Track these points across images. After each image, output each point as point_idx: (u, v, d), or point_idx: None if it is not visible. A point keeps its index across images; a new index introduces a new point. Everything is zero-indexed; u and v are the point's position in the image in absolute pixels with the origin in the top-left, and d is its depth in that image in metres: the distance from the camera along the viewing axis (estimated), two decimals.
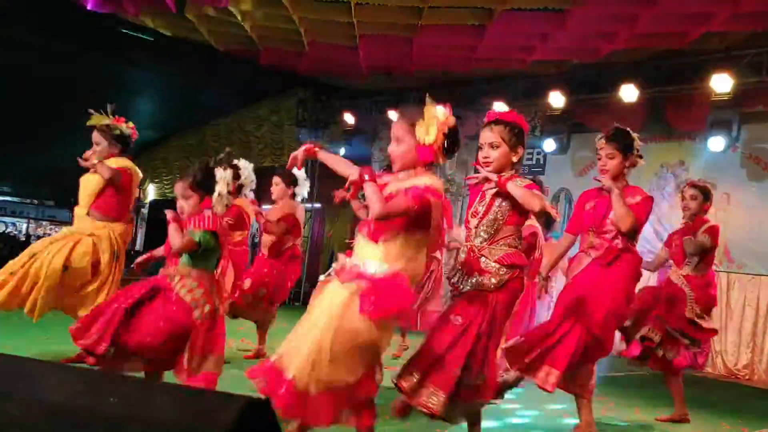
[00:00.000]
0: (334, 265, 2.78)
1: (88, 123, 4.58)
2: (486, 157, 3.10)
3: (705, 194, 4.68)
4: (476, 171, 3.24)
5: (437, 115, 2.68)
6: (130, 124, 4.69)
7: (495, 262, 2.99)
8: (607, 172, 3.73)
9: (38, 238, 17.37)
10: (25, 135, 11.74)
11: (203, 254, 3.33)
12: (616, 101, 7.92)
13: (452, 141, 2.71)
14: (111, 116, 4.61)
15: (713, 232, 4.61)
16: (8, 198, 19.30)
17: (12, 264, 4.24)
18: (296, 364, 2.45)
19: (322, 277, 2.88)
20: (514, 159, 3.12)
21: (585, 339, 3.52)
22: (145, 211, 14.95)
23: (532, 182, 3.13)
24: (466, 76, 9.19)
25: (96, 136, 4.56)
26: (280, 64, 9.91)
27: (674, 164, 8.37)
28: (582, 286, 3.67)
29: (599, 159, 3.80)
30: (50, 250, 4.27)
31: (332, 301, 2.56)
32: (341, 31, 8.15)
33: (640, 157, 3.84)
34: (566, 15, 7.01)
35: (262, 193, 5.72)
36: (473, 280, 2.98)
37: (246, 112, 12.23)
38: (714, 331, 4.71)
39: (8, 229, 19.19)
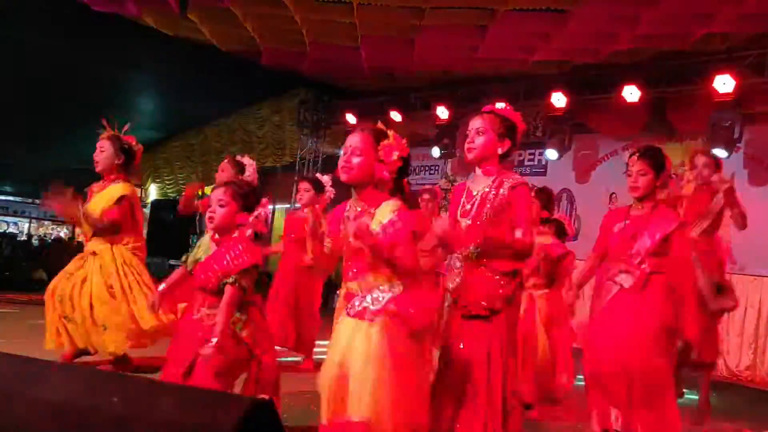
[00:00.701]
0: (340, 306, 2.73)
1: (101, 135, 4.58)
2: (470, 143, 3.01)
3: (717, 162, 4.67)
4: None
5: (399, 140, 2.67)
6: (140, 146, 4.72)
7: (492, 271, 2.90)
8: (638, 189, 3.53)
9: (40, 237, 17.42)
10: (27, 135, 11.75)
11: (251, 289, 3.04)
12: (618, 102, 7.92)
13: (404, 168, 2.69)
14: (122, 132, 4.64)
15: (735, 201, 4.52)
16: (10, 197, 19.31)
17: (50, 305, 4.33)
18: (369, 405, 2.37)
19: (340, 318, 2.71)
20: (500, 150, 3.00)
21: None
22: (146, 211, 14.95)
23: (523, 183, 2.98)
24: (468, 77, 9.19)
25: (103, 143, 4.55)
26: (282, 65, 9.91)
27: (676, 165, 8.34)
28: (621, 317, 3.44)
29: (629, 176, 3.58)
30: (76, 289, 4.32)
31: (370, 342, 2.46)
32: (343, 31, 8.15)
33: (671, 176, 3.73)
34: (568, 15, 7.01)
35: (264, 195, 5.72)
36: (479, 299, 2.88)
37: (248, 113, 12.23)
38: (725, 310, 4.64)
39: (9, 229, 19.20)
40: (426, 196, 6.16)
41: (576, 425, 4.31)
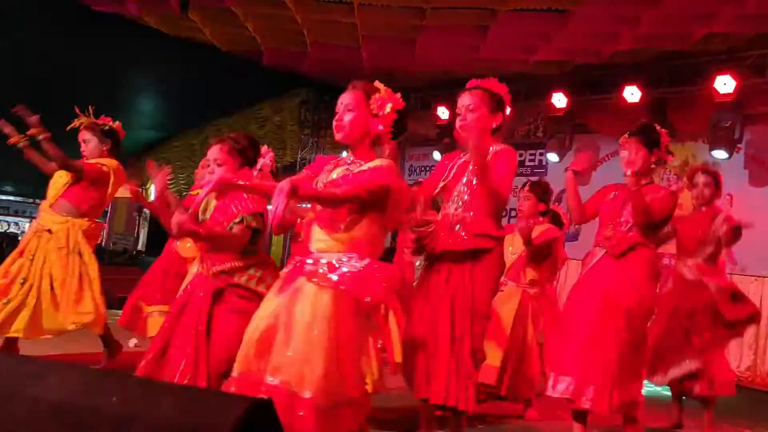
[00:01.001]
0: (288, 266, 2.53)
1: (76, 123, 4.48)
2: (462, 121, 3.00)
3: (717, 181, 4.55)
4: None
5: (392, 94, 2.60)
6: (118, 123, 4.58)
7: (468, 230, 2.91)
8: (633, 163, 3.54)
9: None
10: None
11: (254, 239, 2.88)
12: (618, 102, 7.91)
13: (401, 122, 2.60)
14: (94, 116, 4.54)
15: (733, 223, 4.48)
16: (10, 197, 19.30)
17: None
18: (311, 380, 2.24)
19: (282, 273, 2.56)
20: (494, 125, 3.02)
21: (620, 350, 3.33)
22: (147, 211, 14.94)
23: (508, 148, 2.98)
24: (469, 77, 9.16)
25: (84, 133, 4.45)
26: (283, 65, 9.91)
27: (677, 166, 8.36)
28: (599, 289, 3.47)
29: (623, 156, 3.64)
30: (34, 270, 4.15)
31: (317, 306, 2.34)
32: (344, 31, 8.15)
33: (669, 153, 3.69)
34: (569, 16, 7.01)
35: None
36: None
37: (249, 113, 12.23)
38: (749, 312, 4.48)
39: (10, 229, 19.19)
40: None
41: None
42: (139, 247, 14.84)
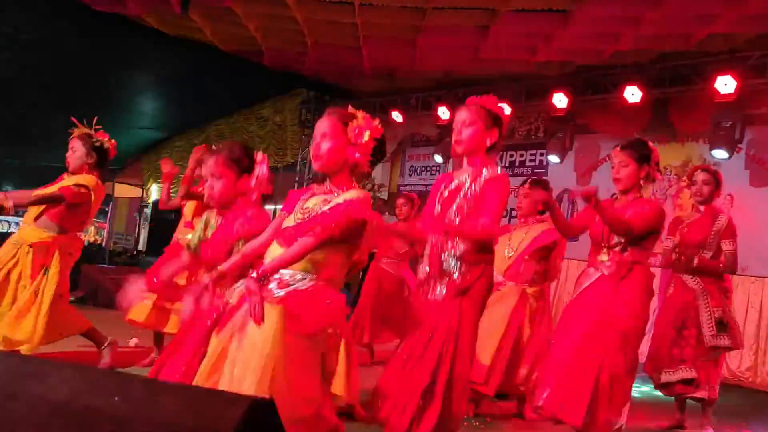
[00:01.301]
0: (246, 282, 2.44)
1: (73, 134, 4.47)
2: (458, 135, 2.96)
3: (717, 179, 4.50)
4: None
5: (369, 120, 2.54)
6: (113, 142, 4.59)
7: (458, 259, 2.86)
8: (620, 181, 3.54)
9: None
10: (27, 135, 11.76)
11: None
12: (620, 103, 7.91)
13: (379, 149, 2.55)
14: (93, 129, 4.54)
15: (734, 233, 4.45)
16: None
17: None
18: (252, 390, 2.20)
19: (235, 291, 2.50)
20: (488, 141, 2.96)
21: (607, 374, 3.30)
22: (148, 211, 14.95)
23: (501, 176, 2.91)
24: (470, 77, 9.19)
25: (74, 142, 4.46)
26: (284, 65, 9.92)
27: (678, 166, 8.36)
28: (593, 305, 3.45)
29: (612, 167, 3.61)
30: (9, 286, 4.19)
31: (265, 325, 2.30)
32: (345, 31, 8.15)
33: (659, 171, 3.64)
34: (570, 16, 7.01)
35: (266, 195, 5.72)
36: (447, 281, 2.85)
37: (249, 113, 12.24)
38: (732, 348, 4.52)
39: (10, 229, 19.18)
40: (401, 200, 6.20)
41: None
42: (140, 247, 14.84)
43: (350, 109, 2.60)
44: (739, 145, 7.70)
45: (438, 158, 10.06)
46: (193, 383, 2.34)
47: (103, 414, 1.26)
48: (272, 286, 2.37)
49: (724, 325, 4.36)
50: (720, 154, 7.62)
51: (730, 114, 7.36)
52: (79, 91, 9.86)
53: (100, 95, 9.83)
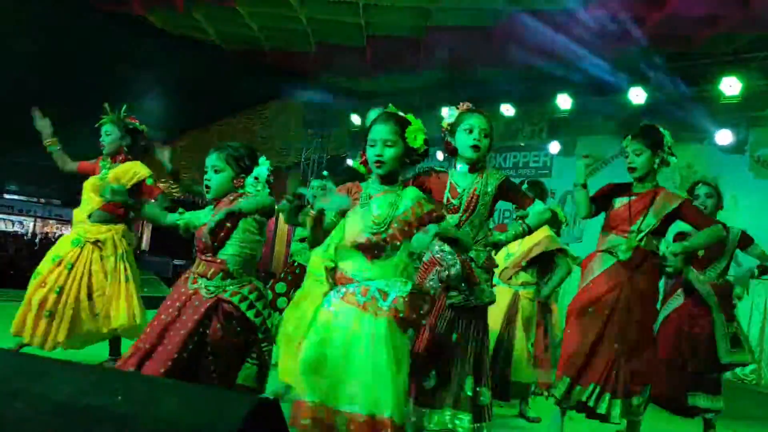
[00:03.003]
0: (336, 292, 2.60)
1: (103, 119, 4.45)
2: (477, 140, 3.09)
3: (719, 192, 4.42)
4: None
5: (419, 123, 2.72)
6: (144, 127, 4.62)
7: (480, 267, 2.99)
8: (635, 170, 3.51)
9: (44, 236, 17.46)
10: (32, 134, 11.78)
11: (254, 246, 2.87)
12: (623, 104, 7.90)
13: (428, 149, 2.77)
14: (124, 114, 4.54)
15: (749, 237, 4.43)
16: (15, 197, 19.37)
17: (37, 296, 4.13)
18: (389, 402, 2.39)
19: (331, 299, 2.61)
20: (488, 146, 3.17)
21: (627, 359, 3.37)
22: None
23: (506, 177, 3.15)
24: (473, 78, 9.18)
25: (107, 126, 4.43)
26: (288, 65, 9.92)
27: (682, 167, 8.34)
28: (609, 294, 3.46)
29: (626, 157, 3.57)
30: (72, 281, 4.18)
31: (376, 333, 2.47)
32: (349, 31, 8.15)
33: (672, 155, 3.61)
34: (574, 17, 7.00)
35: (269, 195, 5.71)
36: (482, 294, 3.00)
37: (253, 113, 12.26)
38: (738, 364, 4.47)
39: (15, 228, 19.26)
40: None
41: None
42: (143, 246, 14.87)
43: (391, 109, 2.75)
44: (743, 147, 7.69)
45: (440, 155, 10.00)
46: (313, 393, 2.46)
47: (107, 412, 1.26)
48: (375, 298, 2.51)
49: (738, 341, 4.31)
50: (724, 155, 7.61)
51: (735, 115, 7.35)
52: (82, 91, 9.87)
53: (103, 94, 9.84)
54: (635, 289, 3.41)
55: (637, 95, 7.75)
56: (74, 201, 4.62)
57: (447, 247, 2.92)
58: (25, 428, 1.28)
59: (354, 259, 2.59)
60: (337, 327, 2.52)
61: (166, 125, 13.18)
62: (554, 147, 9.18)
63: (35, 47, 9.01)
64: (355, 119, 10.36)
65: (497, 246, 3.10)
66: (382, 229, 2.56)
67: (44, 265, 4.24)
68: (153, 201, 4.20)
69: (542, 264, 4.51)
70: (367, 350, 2.45)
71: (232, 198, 2.88)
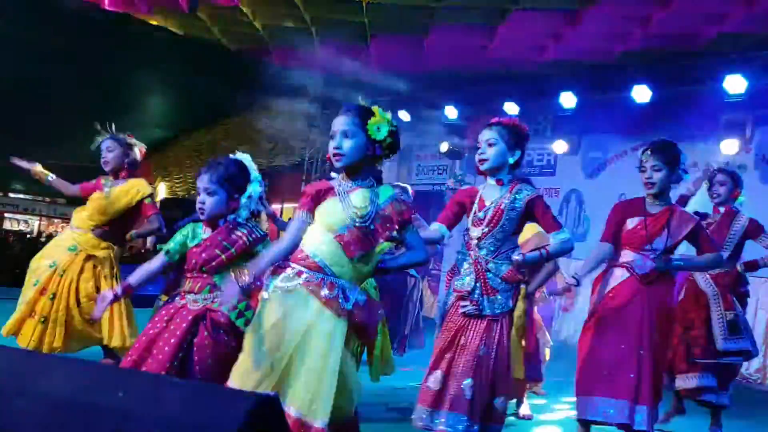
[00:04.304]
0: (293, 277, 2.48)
1: (101, 139, 4.49)
2: (482, 154, 3.09)
3: (734, 180, 4.43)
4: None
5: (385, 115, 2.56)
6: (143, 147, 4.65)
7: (502, 279, 3.01)
8: (653, 186, 3.51)
9: (50, 235, 17.50)
10: (37, 133, 11.82)
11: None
12: (628, 102, 7.88)
13: (396, 142, 2.56)
14: (112, 131, 4.58)
15: (762, 228, 4.39)
16: (20, 195, 19.42)
17: (30, 298, 4.21)
18: (323, 410, 2.31)
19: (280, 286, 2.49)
20: (511, 160, 3.09)
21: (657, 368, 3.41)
22: None
23: (538, 196, 3.11)
24: (478, 77, 9.17)
25: (108, 143, 4.48)
26: (292, 64, 9.92)
27: (687, 165, 8.29)
28: (625, 307, 3.48)
29: (643, 171, 3.55)
30: (62, 288, 4.23)
31: (333, 335, 2.39)
32: (353, 30, 8.15)
33: (685, 172, 3.64)
34: (579, 15, 6.98)
35: (273, 194, 5.71)
36: (493, 303, 3.02)
37: (257, 112, 12.26)
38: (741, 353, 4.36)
39: (20, 227, 19.31)
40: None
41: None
42: (147, 245, 14.88)
43: (365, 104, 2.61)
44: (748, 145, 7.66)
45: (444, 146, 10.00)
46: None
47: (108, 409, 1.26)
48: (338, 297, 2.44)
49: (737, 328, 4.29)
50: (729, 154, 7.58)
51: (740, 113, 7.32)
52: (86, 91, 9.91)
53: (107, 94, 9.87)
54: (654, 301, 3.44)
55: (642, 93, 7.73)
56: (79, 200, 4.64)
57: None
58: (25, 425, 1.29)
59: (330, 249, 2.47)
60: (299, 319, 2.41)
61: (172, 124, 13.23)
62: (558, 146, 9.17)
63: (39, 47, 9.03)
64: None
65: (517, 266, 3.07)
66: (367, 223, 2.47)
67: (42, 272, 4.30)
68: (147, 221, 4.40)
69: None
70: (320, 349, 2.36)
71: (231, 226, 2.83)
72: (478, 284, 3.01)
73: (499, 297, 3.01)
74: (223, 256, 2.77)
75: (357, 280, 2.49)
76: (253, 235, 2.80)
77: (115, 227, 4.43)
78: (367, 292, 2.58)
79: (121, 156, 4.49)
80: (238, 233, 2.80)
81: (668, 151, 3.56)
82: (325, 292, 2.41)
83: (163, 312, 2.78)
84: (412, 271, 5.51)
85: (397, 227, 2.50)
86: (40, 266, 4.35)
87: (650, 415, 3.32)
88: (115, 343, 4.26)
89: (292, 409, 2.31)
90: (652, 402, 3.35)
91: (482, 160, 3.09)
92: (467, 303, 3.03)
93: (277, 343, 2.37)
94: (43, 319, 4.16)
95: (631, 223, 3.57)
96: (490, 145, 3.09)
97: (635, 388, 3.34)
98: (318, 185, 2.60)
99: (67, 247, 4.39)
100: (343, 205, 2.49)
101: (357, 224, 2.46)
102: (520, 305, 4.39)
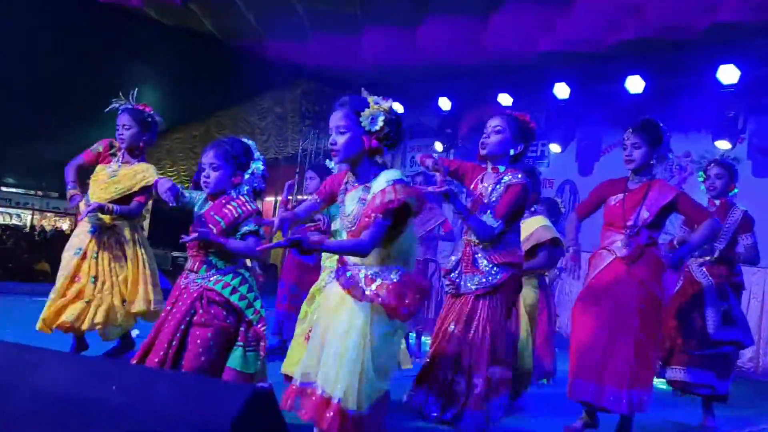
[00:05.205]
0: (332, 276, 2.65)
1: (117, 105, 4.35)
2: (485, 138, 3.16)
3: (731, 173, 4.42)
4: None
5: (381, 104, 2.55)
6: (160, 118, 4.57)
7: (490, 260, 3.06)
8: (632, 162, 3.58)
9: (42, 229, 17.46)
10: (30, 126, 11.75)
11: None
12: (621, 92, 7.88)
13: (396, 131, 2.56)
14: (135, 102, 4.47)
15: (750, 226, 4.37)
16: (13, 189, 19.33)
17: (59, 286, 4.17)
18: (341, 385, 2.37)
19: (325, 283, 2.72)
20: (512, 152, 3.16)
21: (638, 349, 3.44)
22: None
23: (519, 184, 3.10)
24: (471, 67, 9.15)
25: (126, 118, 4.29)
26: (284, 55, 9.88)
27: (680, 156, 8.33)
28: (609, 287, 3.53)
29: (625, 149, 3.64)
30: (102, 268, 4.20)
31: (353, 317, 2.46)
32: (345, 21, 8.11)
33: (670, 151, 3.69)
34: (572, 5, 6.97)
35: (267, 186, 5.70)
36: (471, 280, 3.06)
37: (250, 104, 12.22)
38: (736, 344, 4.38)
39: (13, 221, 19.23)
40: None
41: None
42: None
43: (363, 94, 2.62)
44: (741, 135, 7.68)
45: (438, 146, 10.02)
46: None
47: (102, 403, 1.26)
48: (360, 284, 2.49)
49: (730, 319, 4.29)
50: (723, 144, 7.59)
51: (734, 104, 7.33)
52: (79, 83, 9.84)
53: (100, 86, 9.79)
54: (633, 280, 3.47)
55: (636, 84, 7.73)
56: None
57: None
58: (20, 420, 1.28)
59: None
60: (326, 308, 2.59)
61: (163, 117, 13.17)
62: (552, 137, 9.17)
63: (30, 40, 8.96)
64: None
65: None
66: (353, 228, 2.53)
67: (68, 262, 4.24)
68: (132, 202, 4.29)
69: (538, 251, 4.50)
70: (341, 331, 2.45)
71: (225, 201, 2.91)
72: (460, 264, 3.10)
73: (478, 276, 3.06)
74: (214, 230, 2.84)
75: (379, 262, 2.51)
76: (243, 208, 2.87)
77: (122, 202, 4.30)
78: (406, 270, 2.55)
79: (137, 135, 4.33)
80: (230, 206, 2.88)
81: (650, 130, 3.63)
82: (344, 280, 2.52)
83: (171, 296, 2.92)
84: (434, 257, 5.61)
85: (373, 215, 2.43)
86: (65, 258, 4.29)
87: (630, 398, 3.36)
88: (138, 307, 4.21)
89: (319, 388, 2.41)
90: (632, 384, 3.37)
91: (484, 145, 3.14)
92: (448, 282, 3.14)
93: (313, 330, 2.61)
94: (87, 301, 4.11)
95: (613, 200, 3.65)
96: (495, 132, 3.15)
97: (614, 372, 3.39)
98: (333, 181, 2.72)
99: (87, 231, 4.29)
100: (341, 209, 2.64)
101: (348, 229, 2.57)
102: (532, 295, 4.40)
